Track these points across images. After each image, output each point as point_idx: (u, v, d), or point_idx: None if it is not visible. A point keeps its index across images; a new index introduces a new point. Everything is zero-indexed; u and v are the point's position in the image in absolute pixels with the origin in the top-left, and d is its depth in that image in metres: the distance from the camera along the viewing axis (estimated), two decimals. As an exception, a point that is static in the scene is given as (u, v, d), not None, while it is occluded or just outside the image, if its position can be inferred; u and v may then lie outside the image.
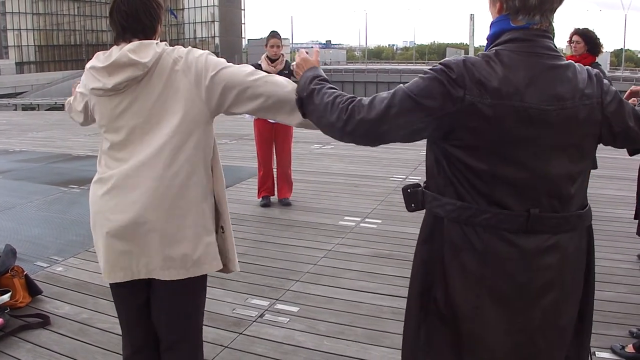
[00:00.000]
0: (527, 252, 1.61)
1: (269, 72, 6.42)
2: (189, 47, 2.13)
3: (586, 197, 1.76)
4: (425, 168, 1.79)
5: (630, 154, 2.15)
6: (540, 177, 1.61)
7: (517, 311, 1.64)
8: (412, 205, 1.79)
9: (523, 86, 1.56)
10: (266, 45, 6.07)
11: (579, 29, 5.43)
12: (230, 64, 2.11)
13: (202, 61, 2.06)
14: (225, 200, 2.23)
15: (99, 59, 2.08)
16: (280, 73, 6.07)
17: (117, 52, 2.04)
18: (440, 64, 1.61)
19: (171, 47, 2.10)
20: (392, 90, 1.62)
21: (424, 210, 1.80)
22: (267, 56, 6.06)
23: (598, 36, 5.43)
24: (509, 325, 1.64)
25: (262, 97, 2.06)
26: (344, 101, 1.66)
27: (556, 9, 1.64)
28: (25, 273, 3.89)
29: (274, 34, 6.11)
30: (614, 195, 6.46)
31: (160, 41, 2.14)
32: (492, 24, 1.70)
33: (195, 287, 2.21)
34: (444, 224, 1.68)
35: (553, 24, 1.67)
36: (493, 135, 1.56)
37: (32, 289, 3.88)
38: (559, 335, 1.72)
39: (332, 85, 1.77)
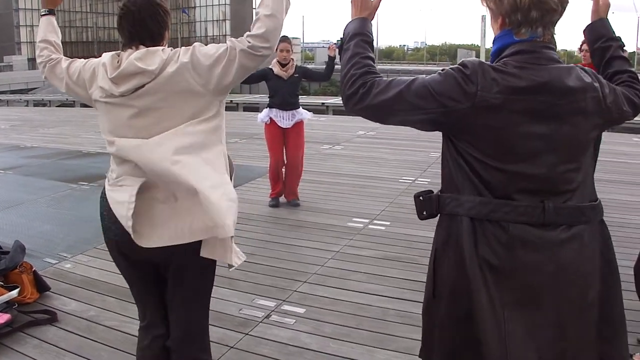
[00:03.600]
0: (549, 244, 1.64)
1: (280, 77, 6.26)
2: (184, 47, 2.15)
3: (595, 190, 1.80)
4: (440, 170, 1.79)
5: None
6: (552, 170, 1.65)
7: (546, 305, 1.66)
8: (424, 212, 1.79)
9: (533, 83, 1.60)
10: (276, 49, 5.95)
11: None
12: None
13: (188, 55, 2.08)
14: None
15: (112, 65, 2.10)
16: (291, 77, 6.04)
17: (125, 60, 2.07)
18: (458, 64, 1.67)
19: (174, 51, 2.12)
20: (412, 77, 1.68)
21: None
22: (277, 60, 6.01)
23: None
24: (539, 320, 1.65)
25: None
26: (363, 73, 1.70)
27: (557, 21, 1.70)
28: (33, 269, 3.91)
29: (284, 38, 6.00)
30: (624, 201, 6.40)
31: (168, 46, 2.19)
32: (495, 39, 1.74)
33: (199, 283, 2.30)
34: (464, 223, 1.67)
35: (555, 35, 1.72)
36: (505, 132, 1.61)
37: (40, 285, 3.90)
38: (586, 327, 1.72)
39: (363, 50, 1.77)
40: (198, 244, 2.13)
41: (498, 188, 1.65)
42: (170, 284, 2.28)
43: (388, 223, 5.51)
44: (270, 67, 6.02)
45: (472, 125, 1.62)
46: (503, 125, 1.60)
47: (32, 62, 69.39)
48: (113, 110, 2.14)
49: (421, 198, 1.79)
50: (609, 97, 1.72)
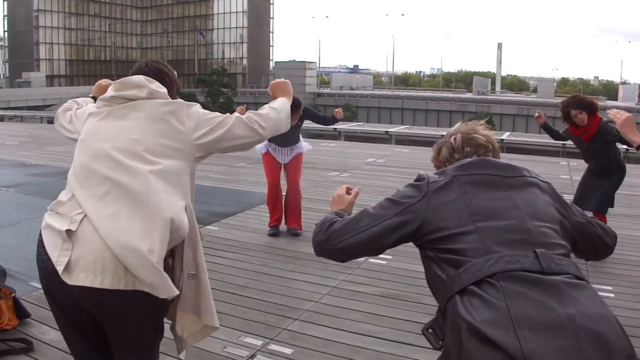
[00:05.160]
0: (553, 286, 1.43)
1: None
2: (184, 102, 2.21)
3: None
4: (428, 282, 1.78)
5: None
6: (524, 222, 1.62)
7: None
8: (440, 342, 1.64)
9: (477, 160, 1.82)
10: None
11: (569, 103, 5.46)
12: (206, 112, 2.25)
13: (189, 104, 2.19)
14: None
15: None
16: (295, 126, 5.83)
17: None
18: None
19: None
20: None
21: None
22: None
23: (586, 95, 5.56)
24: None
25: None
26: (333, 223, 1.89)
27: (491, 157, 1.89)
28: (13, 295, 3.74)
29: (297, 105, 5.50)
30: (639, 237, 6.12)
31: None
32: None
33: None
34: (456, 301, 1.50)
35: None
36: (464, 200, 1.67)
37: (20, 312, 3.73)
38: None
39: (335, 217, 1.94)
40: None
41: (476, 249, 1.55)
42: (109, 338, 2.07)
43: (390, 257, 5.25)
44: None
45: (431, 211, 1.70)
46: (458, 196, 1.69)
47: (50, 79, 70.53)
48: (96, 116, 2.16)
49: (430, 330, 1.68)
50: (558, 197, 1.79)
